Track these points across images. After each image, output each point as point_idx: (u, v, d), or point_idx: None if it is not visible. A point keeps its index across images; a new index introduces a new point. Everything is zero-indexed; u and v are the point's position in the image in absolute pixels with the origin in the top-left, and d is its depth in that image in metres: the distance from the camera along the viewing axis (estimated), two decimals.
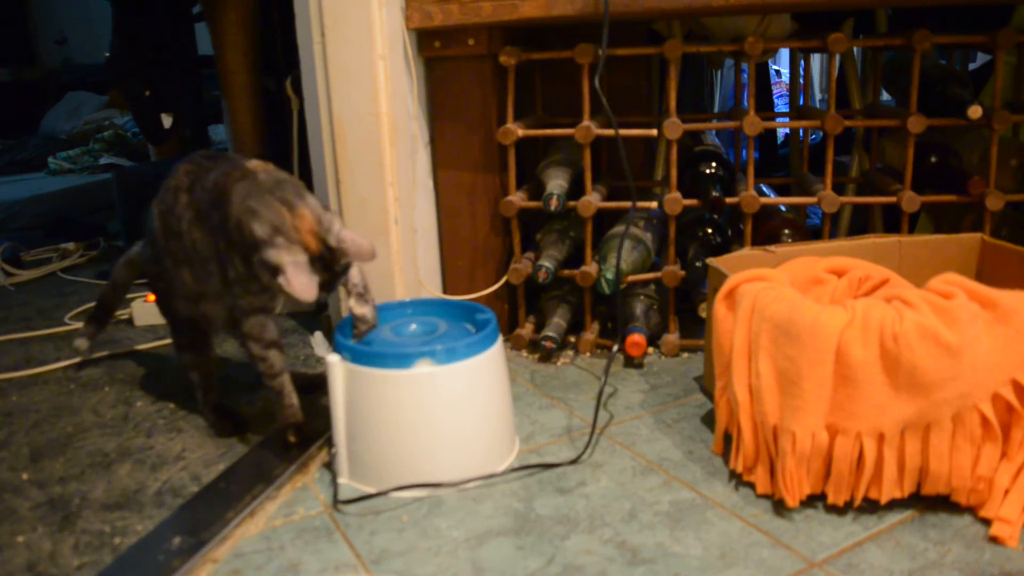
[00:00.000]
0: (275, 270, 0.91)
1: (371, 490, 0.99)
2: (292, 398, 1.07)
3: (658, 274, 1.37)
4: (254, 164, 1.00)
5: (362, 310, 1.02)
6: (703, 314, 1.37)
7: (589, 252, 1.37)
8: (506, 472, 1.02)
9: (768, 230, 1.42)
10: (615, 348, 1.22)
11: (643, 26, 1.56)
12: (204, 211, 1.00)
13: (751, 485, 0.96)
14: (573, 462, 1.04)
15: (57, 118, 4.06)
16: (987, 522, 0.87)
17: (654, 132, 1.35)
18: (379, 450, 0.98)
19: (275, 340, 1.04)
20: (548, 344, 1.33)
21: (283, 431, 1.07)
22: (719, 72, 2.62)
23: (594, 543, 0.87)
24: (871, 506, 0.90)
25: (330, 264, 0.94)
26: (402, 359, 0.96)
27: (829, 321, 0.88)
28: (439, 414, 0.98)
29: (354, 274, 1.02)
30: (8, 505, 0.98)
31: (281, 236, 0.92)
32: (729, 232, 1.45)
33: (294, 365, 1.38)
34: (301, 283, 0.90)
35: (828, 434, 0.89)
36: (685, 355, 1.37)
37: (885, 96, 1.72)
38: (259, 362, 1.05)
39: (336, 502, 0.97)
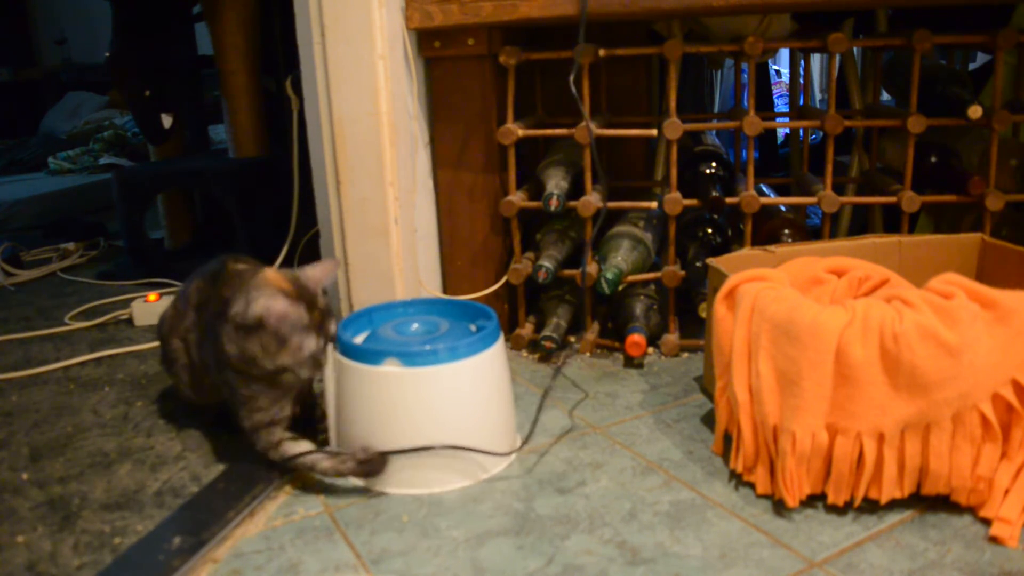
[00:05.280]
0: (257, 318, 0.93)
1: (371, 489, 0.99)
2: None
3: (658, 274, 1.37)
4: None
5: (334, 326, 1.02)
6: (703, 314, 1.37)
7: (589, 252, 1.37)
8: (506, 472, 1.02)
9: (768, 230, 1.42)
10: (567, 342, 1.21)
11: (643, 26, 1.56)
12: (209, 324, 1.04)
13: (751, 485, 0.96)
14: (507, 454, 1.03)
15: (57, 118, 4.06)
16: (987, 522, 0.87)
17: (654, 132, 1.35)
18: (380, 449, 0.98)
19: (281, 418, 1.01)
20: (548, 344, 1.33)
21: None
22: (719, 72, 2.62)
23: (594, 543, 0.87)
24: (871, 506, 0.90)
25: (313, 304, 0.96)
26: (404, 357, 0.96)
27: (829, 321, 0.88)
28: (440, 412, 0.98)
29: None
30: (8, 505, 0.98)
31: (255, 291, 0.95)
32: (729, 232, 1.45)
33: None
34: (271, 303, 0.92)
35: (828, 434, 0.89)
36: (685, 355, 1.37)
37: (885, 96, 1.72)
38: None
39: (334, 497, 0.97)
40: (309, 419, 1.10)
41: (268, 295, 0.93)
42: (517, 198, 1.36)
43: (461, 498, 0.97)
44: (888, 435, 0.86)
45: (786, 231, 1.41)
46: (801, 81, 1.79)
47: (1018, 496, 0.86)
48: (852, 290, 1.07)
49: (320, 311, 0.96)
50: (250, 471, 1.02)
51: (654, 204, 1.37)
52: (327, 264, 1.01)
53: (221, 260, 1.11)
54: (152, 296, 1.65)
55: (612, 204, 1.37)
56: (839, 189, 1.49)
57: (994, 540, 0.84)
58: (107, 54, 1.97)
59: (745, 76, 1.45)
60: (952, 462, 0.86)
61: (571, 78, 1.24)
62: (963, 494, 0.87)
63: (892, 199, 1.34)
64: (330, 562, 0.86)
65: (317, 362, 0.96)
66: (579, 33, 1.25)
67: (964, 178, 1.30)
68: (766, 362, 0.92)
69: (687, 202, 1.34)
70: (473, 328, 1.07)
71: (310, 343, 0.94)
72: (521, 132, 1.35)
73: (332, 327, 0.98)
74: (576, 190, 1.37)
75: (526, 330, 1.42)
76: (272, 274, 0.97)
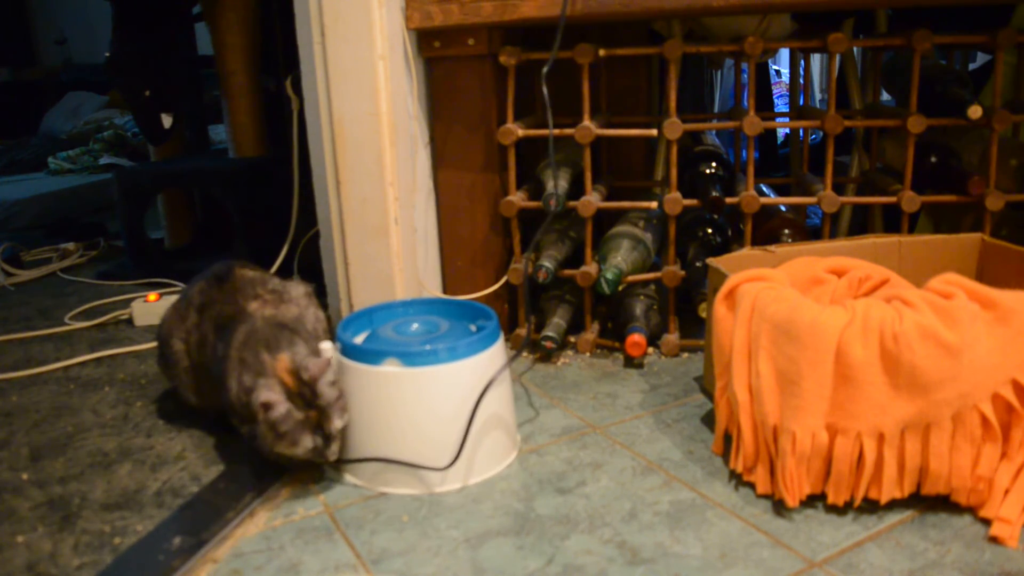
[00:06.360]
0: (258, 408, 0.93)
1: (371, 489, 0.99)
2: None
3: (658, 274, 1.37)
4: (253, 307, 1.05)
5: (340, 422, 0.98)
6: (703, 314, 1.37)
7: (589, 252, 1.37)
8: (506, 472, 1.02)
9: (768, 230, 1.42)
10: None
11: (643, 26, 1.56)
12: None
13: (751, 485, 0.96)
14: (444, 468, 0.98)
15: (57, 118, 4.06)
16: (987, 522, 0.87)
17: (654, 132, 1.35)
18: (379, 449, 0.98)
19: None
20: (548, 344, 1.33)
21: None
22: (719, 72, 2.62)
23: (594, 543, 0.87)
24: (871, 506, 0.90)
25: (311, 401, 0.94)
26: (404, 357, 0.96)
27: (829, 321, 0.88)
28: (439, 412, 0.98)
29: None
30: (8, 505, 0.98)
31: (262, 378, 0.95)
32: (729, 232, 1.45)
33: None
34: (269, 396, 0.92)
35: (828, 434, 0.89)
36: (685, 355, 1.37)
37: (885, 96, 1.72)
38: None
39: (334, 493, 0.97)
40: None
41: (266, 387, 0.93)
42: (517, 198, 1.36)
43: (461, 498, 0.97)
44: (888, 435, 0.86)
45: (786, 231, 1.41)
46: (801, 81, 1.78)
47: (1018, 496, 0.86)
48: (852, 290, 1.07)
49: (319, 408, 0.93)
50: (250, 471, 1.03)
51: (654, 204, 1.37)
52: (322, 361, 0.96)
53: (228, 264, 1.10)
54: (152, 296, 1.65)
55: (612, 204, 1.37)
56: (839, 189, 1.49)
57: (994, 540, 0.84)
58: (107, 54, 1.97)
59: (745, 76, 1.45)
60: (952, 462, 0.86)
61: (543, 71, 1.23)
62: (963, 494, 0.87)
63: (892, 199, 1.34)
64: (330, 562, 0.86)
65: (317, 453, 0.94)
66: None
67: (964, 178, 1.30)
68: (766, 362, 0.92)
69: (687, 202, 1.34)
70: (473, 328, 1.07)
71: (306, 441, 0.93)
72: (521, 132, 1.35)
73: (335, 424, 0.95)
74: (576, 190, 1.37)
75: (526, 330, 1.41)
76: (284, 363, 0.95)
